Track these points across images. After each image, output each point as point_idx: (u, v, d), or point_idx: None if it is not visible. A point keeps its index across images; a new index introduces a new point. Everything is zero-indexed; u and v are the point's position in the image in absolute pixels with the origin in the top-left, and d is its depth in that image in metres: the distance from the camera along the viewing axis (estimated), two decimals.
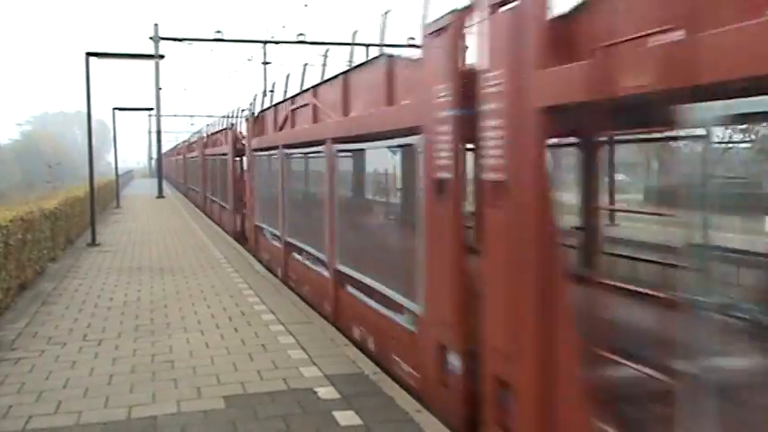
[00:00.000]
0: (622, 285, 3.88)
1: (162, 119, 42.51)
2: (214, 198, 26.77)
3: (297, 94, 12.28)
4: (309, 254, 10.93)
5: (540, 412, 4.21)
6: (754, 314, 5.18)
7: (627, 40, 3.38)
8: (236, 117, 21.91)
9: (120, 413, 5.81)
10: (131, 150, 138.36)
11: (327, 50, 12.69)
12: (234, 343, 8.06)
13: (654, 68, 3.20)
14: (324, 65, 11.72)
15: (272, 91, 16.44)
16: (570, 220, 6.75)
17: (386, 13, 9.28)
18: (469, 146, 5.90)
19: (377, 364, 7.22)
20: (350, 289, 8.93)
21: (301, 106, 11.74)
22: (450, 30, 5.43)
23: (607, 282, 3.76)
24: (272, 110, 14.69)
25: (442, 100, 5.57)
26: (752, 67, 2.68)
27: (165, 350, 7.78)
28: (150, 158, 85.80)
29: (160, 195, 39.79)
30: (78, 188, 23.46)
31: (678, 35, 3.08)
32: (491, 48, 4.71)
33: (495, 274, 4.75)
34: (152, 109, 39.68)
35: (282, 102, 13.63)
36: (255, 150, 16.03)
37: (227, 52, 60.30)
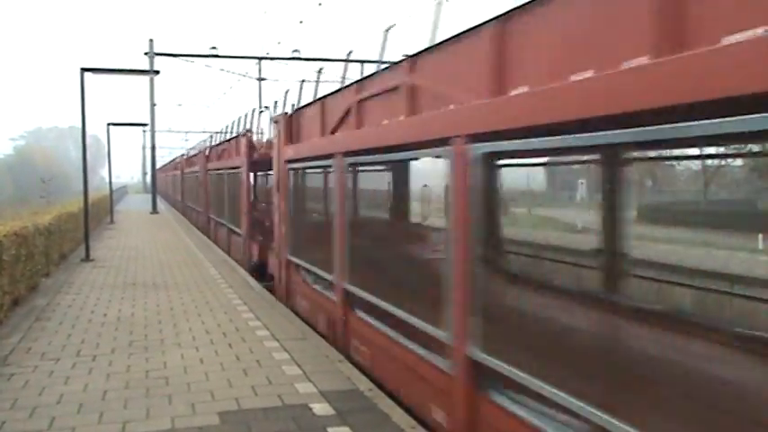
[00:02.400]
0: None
1: (156, 134, 42.55)
2: (220, 220, 23.00)
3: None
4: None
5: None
6: None
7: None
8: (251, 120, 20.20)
9: (114, 429, 5.80)
10: (125, 166, 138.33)
11: (321, 69, 12.79)
12: (228, 359, 8.04)
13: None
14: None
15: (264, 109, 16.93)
16: None
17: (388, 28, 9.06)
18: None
19: None
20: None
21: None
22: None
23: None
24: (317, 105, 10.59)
25: None
26: None
27: (159, 366, 7.76)
28: (144, 174, 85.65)
29: (154, 211, 39.78)
30: (72, 203, 23.41)
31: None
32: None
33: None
34: (146, 124, 39.73)
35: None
36: (293, 161, 11.67)
37: (222, 68, 60.69)
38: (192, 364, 7.85)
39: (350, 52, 11.27)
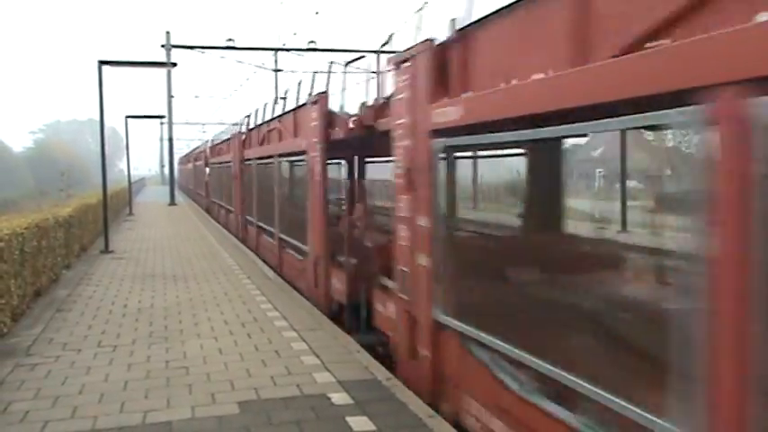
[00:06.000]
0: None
1: (174, 126, 42.71)
2: (267, 227, 16.35)
3: None
4: None
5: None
6: None
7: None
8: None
9: (135, 418, 5.86)
10: (143, 158, 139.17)
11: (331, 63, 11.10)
12: (247, 349, 8.10)
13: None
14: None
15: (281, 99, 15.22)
16: None
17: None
18: None
19: None
20: None
21: None
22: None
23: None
24: None
25: None
26: None
27: (179, 356, 7.83)
28: (162, 166, 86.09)
29: (172, 203, 40.06)
30: (91, 195, 23.62)
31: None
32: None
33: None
34: (164, 117, 39.93)
35: None
36: (454, 131, 5.97)
37: (238, 60, 60.94)
38: (212, 354, 7.91)
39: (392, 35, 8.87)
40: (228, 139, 25.62)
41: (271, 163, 15.67)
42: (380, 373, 7.11)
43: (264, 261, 15.92)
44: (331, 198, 11.71)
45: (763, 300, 2.94)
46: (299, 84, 13.30)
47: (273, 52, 42.65)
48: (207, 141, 41.36)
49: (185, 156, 70.07)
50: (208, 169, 34.39)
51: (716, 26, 3.19)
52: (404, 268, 7.03)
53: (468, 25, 5.87)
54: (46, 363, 7.58)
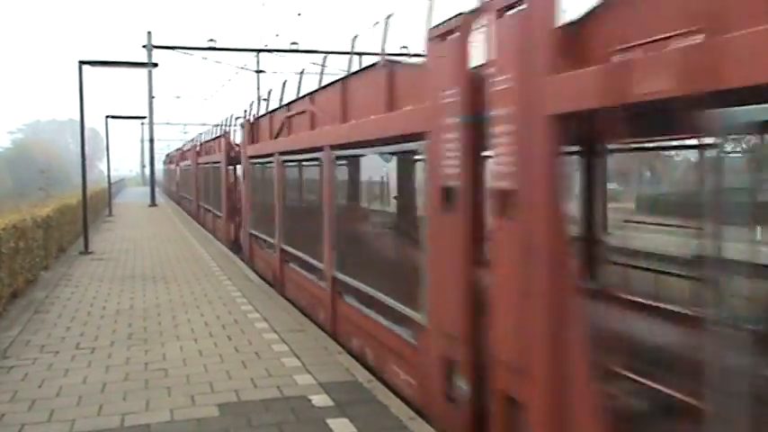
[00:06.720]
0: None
1: (155, 127, 42.47)
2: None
3: None
4: None
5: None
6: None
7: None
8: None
9: (113, 421, 5.81)
10: (124, 159, 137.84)
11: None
12: (227, 351, 8.05)
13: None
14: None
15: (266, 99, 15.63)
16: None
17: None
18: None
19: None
20: None
21: None
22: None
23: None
24: None
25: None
26: None
27: (158, 358, 7.77)
28: (143, 167, 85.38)
29: (153, 204, 39.79)
30: (71, 196, 23.38)
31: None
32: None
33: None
34: (145, 117, 39.67)
35: None
36: None
37: (220, 61, 60.46)
38: (191, 356, 7.86)
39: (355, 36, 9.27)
40: (369, 68, 8.19)
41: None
42: (361, 374, 7.10)
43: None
44: None
45: None
46: None
47: (255, 53, 42.39)
48: (230, 118, 24.03)
49: (177, 150, 54.92)
50: (240, 170, 19.21)
51: None
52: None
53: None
54: (23, 365, 7.49)
